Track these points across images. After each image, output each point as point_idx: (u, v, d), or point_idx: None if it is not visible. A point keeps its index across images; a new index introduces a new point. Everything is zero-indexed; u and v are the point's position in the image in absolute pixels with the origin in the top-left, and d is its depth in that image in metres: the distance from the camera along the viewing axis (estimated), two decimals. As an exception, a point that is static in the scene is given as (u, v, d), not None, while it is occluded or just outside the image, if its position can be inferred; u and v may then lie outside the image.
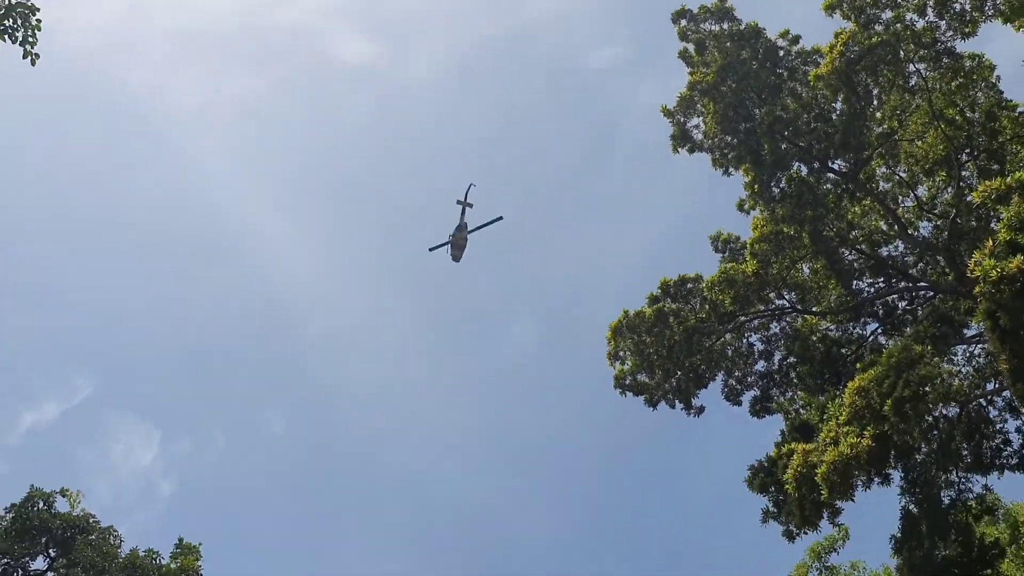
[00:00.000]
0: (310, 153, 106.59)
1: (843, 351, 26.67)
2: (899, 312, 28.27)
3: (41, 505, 44.55)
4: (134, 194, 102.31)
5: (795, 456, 17.76)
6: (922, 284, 28.03)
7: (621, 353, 25.31)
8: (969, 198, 24.54)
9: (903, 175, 28.34)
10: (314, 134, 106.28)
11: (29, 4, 15.63)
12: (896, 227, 27.81)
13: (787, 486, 18.05)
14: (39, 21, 15.73)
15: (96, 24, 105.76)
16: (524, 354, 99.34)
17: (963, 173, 26.42)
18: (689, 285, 26.17)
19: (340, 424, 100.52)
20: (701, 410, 25.20)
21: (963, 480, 22.46)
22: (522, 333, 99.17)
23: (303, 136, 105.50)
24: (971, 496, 22.44)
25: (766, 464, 21.56)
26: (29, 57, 15.76)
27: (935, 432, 22.55)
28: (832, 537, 29.85)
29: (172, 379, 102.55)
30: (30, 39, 15.59)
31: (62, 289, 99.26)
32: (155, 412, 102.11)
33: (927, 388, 17.72)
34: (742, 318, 26.31)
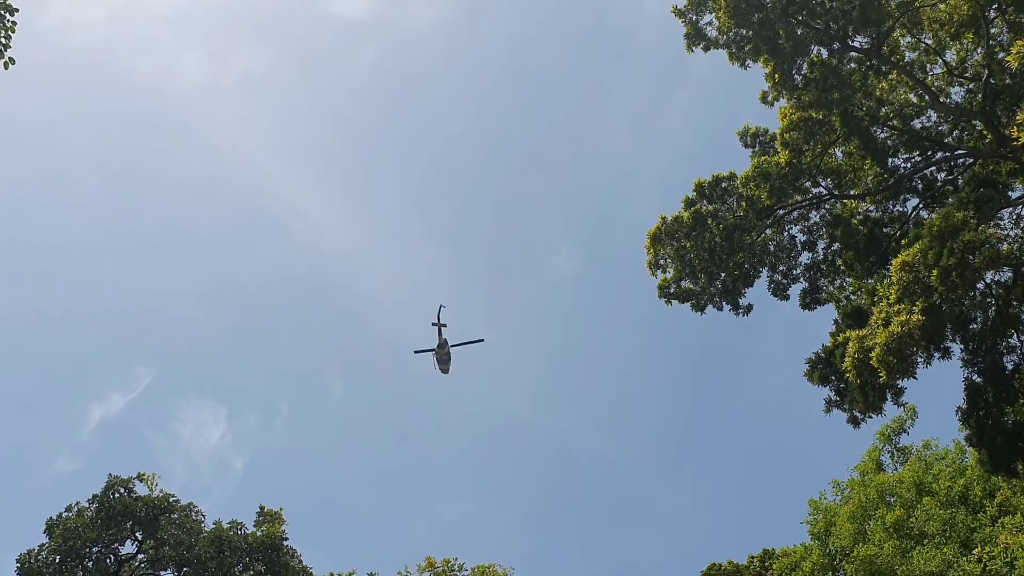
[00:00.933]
0: (325, 115, 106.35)
1: (886, 231, 26.12)
2: (939, 184, 27.58)
3: (121, 491, 45.79)
4: (163, 181, 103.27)
5: (850, 343, 17.50)
6: (960, 152, 27.25)
7: (662, 262, 24.97)
8: (1002, 56, 23.67)
9: (928, 42, 27.33)
10: (325, 95, 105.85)
11: (5, 3, 14.16)
12: (927, 97, 26.97)
13: (847, 374, 17.83)
14: (14, 23, 14.24)
15: (99, 19, 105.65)
16: (567, 282, 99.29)
17: (992, 31, 25.41)
18: (724, 184, 25.65)
19: (397, 376, 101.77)
20: (749, 309, 24.90)
21: (1025, 342, 22.06)
22: (562, 263, 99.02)
23: (315, 99, 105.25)
24: (1035, 358, 22.07)
25: (823, 355, 21.34)
26: (2, 61, 14.06)
27: (990, 299, 22.08)
28: (900, 419, 29.71)
29: (230, 357, 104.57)
30: (2, 41, 14.07)
31: (111, 283, 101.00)
32: (218, 391, 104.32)
33: (973, 254, 17.27)
34: (780, 211, 25.81)
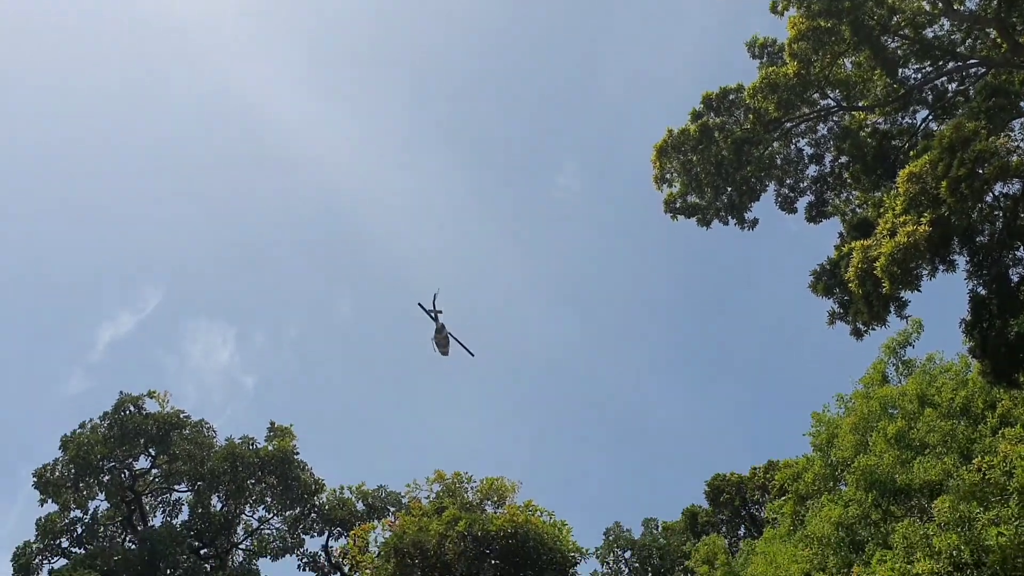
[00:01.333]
0: (328, 34, 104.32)
1: (895, 144, 25.78)
2: (950, 95, 27.09)
3: (132, 409, 46.52)
4: (170, 108, 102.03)
5: (855, 254, 17.39)
6: (972, 62, 26.69)
7: (668, 176, 24.70)
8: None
9: (943, -54, 26.53)
10: (329, 13, 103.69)
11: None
12: (940, 4, 26.30)
13: (850, 284, 17.78)
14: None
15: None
16: (571, 200, 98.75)
17: (1008, -66, 24.61)
18: (731, 96, 25.18)
19: (406, 293, 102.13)
20: (755, 223, 24.75)
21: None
22: (567, 181, 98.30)
23: (318, 18, 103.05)
24: (1041, 270, 21.97)
25: (828, 267, 21.26)
26: None
27: (998, 212, 21.87)
28: (905, 332, 29.72)
29: (237, 279, 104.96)
30: None
31: (120, 207, 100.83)
32: (226, 312, 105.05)
33: (983, 166, 17.04)
34: (788, 124, 25.42)
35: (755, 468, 50.67)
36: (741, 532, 50.17)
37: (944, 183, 15.65)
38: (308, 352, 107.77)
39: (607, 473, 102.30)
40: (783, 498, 30.06)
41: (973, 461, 22.64)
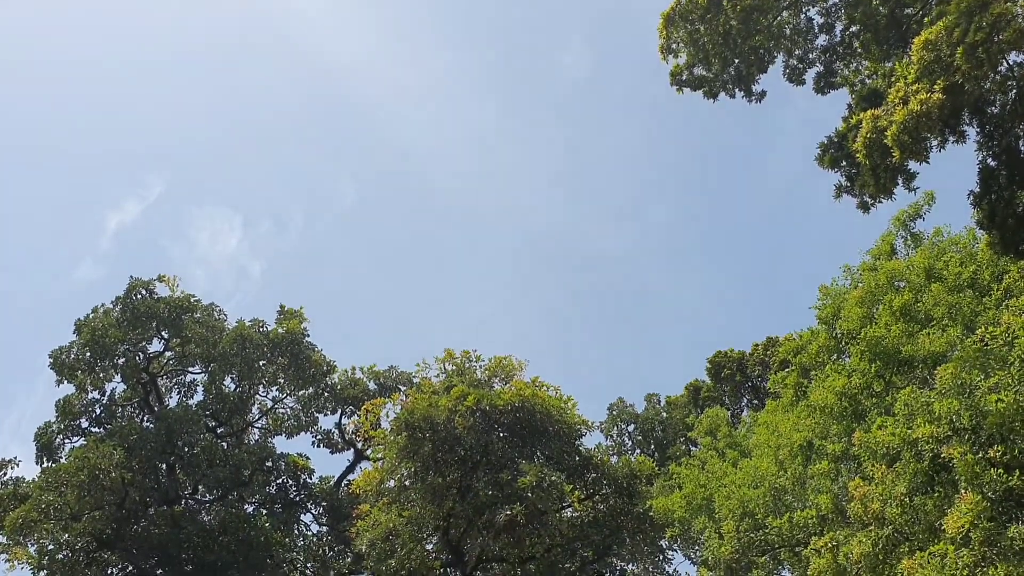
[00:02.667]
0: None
1: (908, 12, 24.96)
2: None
3: (143, 293, 47.03)
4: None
5: (864, 123, 17.08)
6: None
7: (674, 46, 24.06)
8: None
9: None
10: None
11: None
12: None
13: (858, 155, 17.55)
14: None
15: None
16: (578, 78, 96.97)
17: None
18: (741, -39, 24.23)
19: (412, 180, 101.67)
20: (762, 95, 24.28)
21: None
22: (573, 59, 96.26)
23: None
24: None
25: (835, 139, 20.98)
26: None
27: (1011, 82, 21.43)
28: (916, 204, 29.43)
29: (241, 166, 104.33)
30: None
31: (123, 95, 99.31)
32: (231, 199, 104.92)
33: (1001, 32, 16.55)
34: (798, -8, 24.64)
35: (756, 344, 51.33)
36: (743, 406, 51.16)
37: (960, 49, 15.23)
38: (314, 238, 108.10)
39: (611, 353, 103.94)
40: (787, 370, 30.48)
41: (976, 332, 22.81)
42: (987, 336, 21.76)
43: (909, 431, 20.86)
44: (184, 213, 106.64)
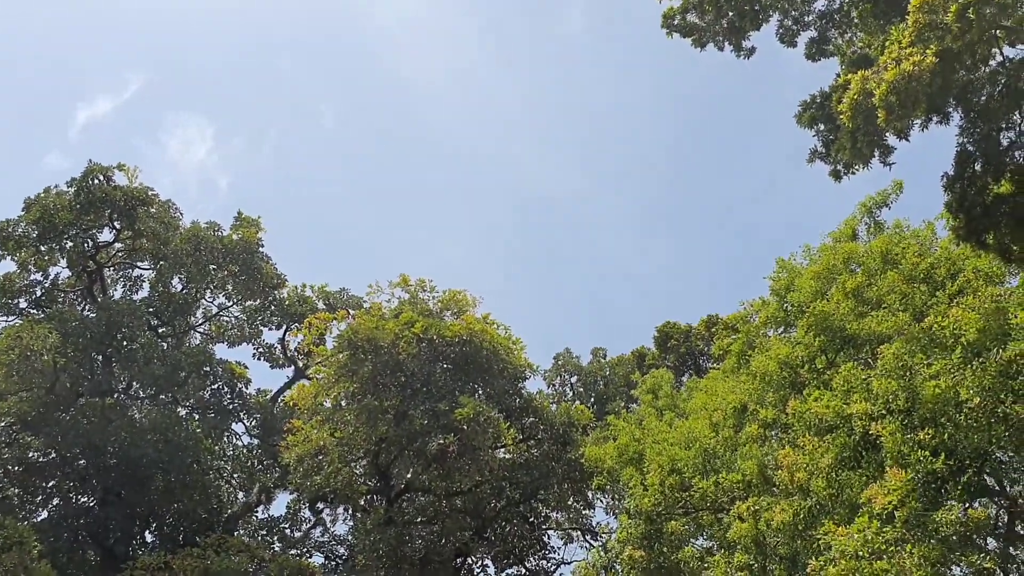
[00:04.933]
0: None
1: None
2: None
3: (100, 179, 45.77)
4: None
5: (853, 83, 16.82)
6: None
7: (669, -13, 23.55)
8: None
9: None
10: None
11: None
12: None
13: (841, 116, 17.31)
14: None
15: None
16: (575, 36, 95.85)
17: None
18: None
19: (395, 115, 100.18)
20: (752, 52, 23.86)
21: (1024, 122, 21.55)
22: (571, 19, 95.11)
23: None
24: (1031, 137, 21.69)
25: (819, 99, 20.74)
26: None
27: (1001, 76, 21.29)
28: (884, 192, 29.50)
29: (221, 77, 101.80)
30: None
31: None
32: (206, 107, 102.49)
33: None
34: (800, -52, 24.13)
35: (704, 319, 51.58)
36: (685, 378, 51.51)
37: (954, 8, 14.99)
38: (286, 159, 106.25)
39: (566, 311, 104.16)
40: (733, 336, 30.56)
41: (925, 320, 22.92)
42: (935, 325, 21.85)
43: (844, 406, 21.00)
44: (157, 115, 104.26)
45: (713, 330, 48.19)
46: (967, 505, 19.57)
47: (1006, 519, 21.80)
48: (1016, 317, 19.74)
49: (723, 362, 31.77)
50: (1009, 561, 20.82)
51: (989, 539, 20.57)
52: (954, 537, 17.58)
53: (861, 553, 17.68)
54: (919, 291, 25.45)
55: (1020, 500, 21.81)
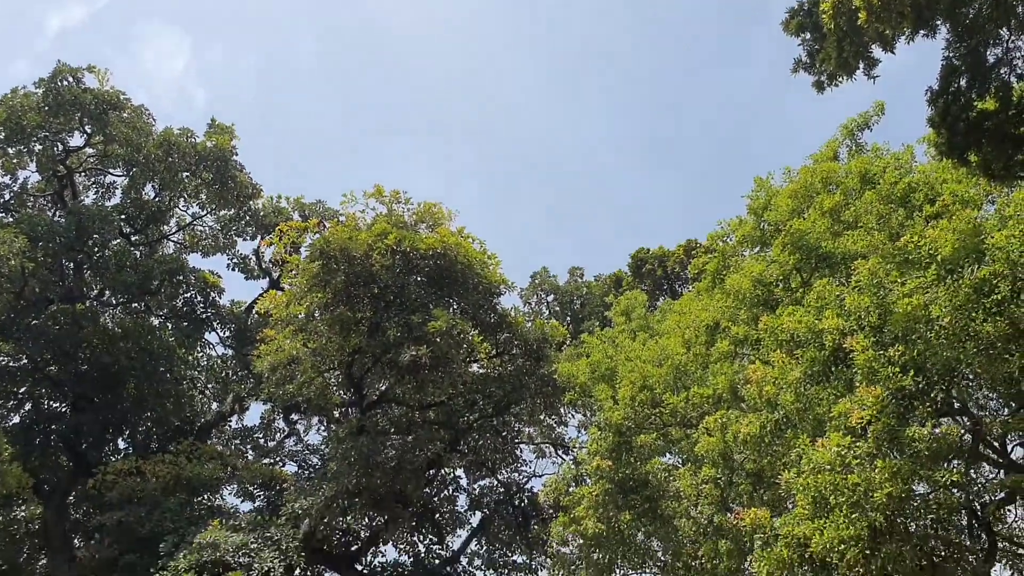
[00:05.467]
0: None
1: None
2: None
3: (70, 80, 44.51)
4: None
5: (838, -14, 16.34)
6: None
7: None
8: None
9: None
10: None
11: None
12: None
13: (823, 16, 16.84)
14: None
15: None
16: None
17: None
18: None
19: (375, 31, 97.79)
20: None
21: (1013, 39, 21.12)
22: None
23: None
24: (1017, 56, 21.31)
25: (807, 6, 20.14)
26: None
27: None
28: (866, 114, 29.20)
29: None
30: None
31: None
32: (185, 18, 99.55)
33: None
34: None
35: (682, 245, 51.46)
36: (660, 303, 51.62)
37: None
38: (266, 73, 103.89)
39: (544, 233, 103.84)
40: (708, 255, 30.42)
41: (901, 240, 22.80)
42: (910, 244, 21.72)
43: (817, 322, 20.95)
44: (132, 25, 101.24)
45: (692, 255, 48.17)
46: (934, 423, 19.71)
47: (970, 440, 22.03)
48: (992, 238, 19.59)
49: (698, 283, 31.71)
50: (972, 484, 21.12)
51: (955, 461, 20.80)
52: (926, 453, 17.71)
53: (834, 467, 17.80)
54: (896, 213, 25.32)
55: (986, 420, 22.06)
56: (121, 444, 44.49)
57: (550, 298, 51.61)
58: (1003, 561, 27.97)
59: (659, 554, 30.49)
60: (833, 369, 20.45)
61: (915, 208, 25.74)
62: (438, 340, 31.33)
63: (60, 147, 45.73)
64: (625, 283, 50.92)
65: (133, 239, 47.40)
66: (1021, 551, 25.82)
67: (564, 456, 41.12)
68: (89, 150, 47.08)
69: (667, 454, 29.53)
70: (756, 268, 25.36)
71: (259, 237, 48.63)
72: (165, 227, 49.14)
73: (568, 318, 49.57)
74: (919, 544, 17.70)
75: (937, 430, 19.29)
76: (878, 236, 24.03)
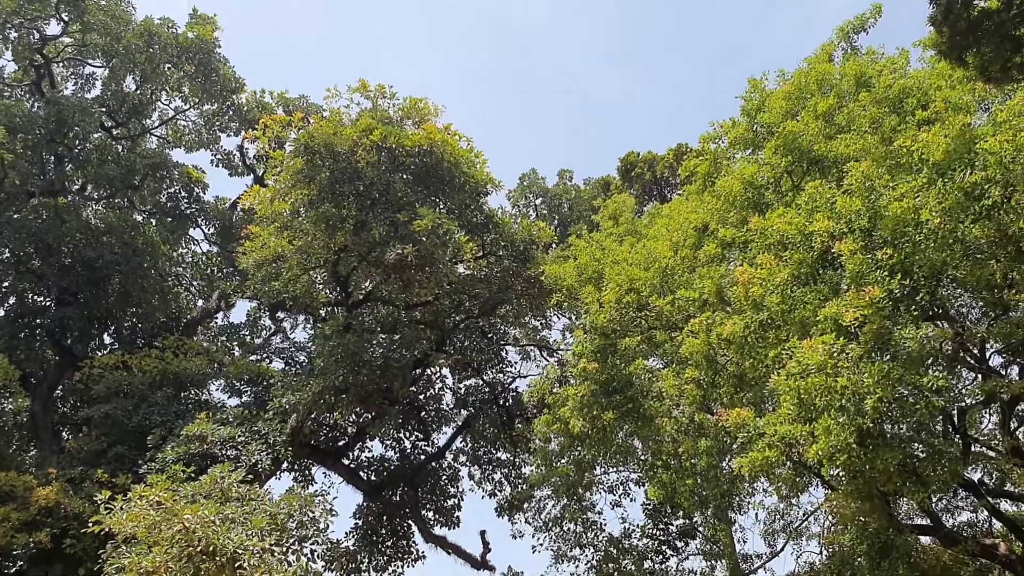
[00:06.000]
0: None
1: None
2: None
3: (44, -36, 42.88)
4: None
5: None
6: None
7: None
8: None
9: None
10: None
11: None
12: None
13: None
14: None
15: None
16: None
17: None
18: None
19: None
20: None
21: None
22: None
23: None
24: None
25: None
26: None
27: None
28: (862, 16, 28.61)
29: None
30: None
31: None
32: None
33: None
34: None
35: (673, 148, 50.84)
36: (649, 207, 51.31)
37: None
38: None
39: (534, 139, 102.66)
40: (699, 158, 30.08)
41: (893, 144, 22.57)
42: (903, 148, 21.51)
43: (807, 223, 20.83)
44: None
45: (683, 159, 47.69)
46: (918, 328, 19.79)
47: (951, 346, 22.24)
48: (985, 142, 19.38)
49: (688, 186, 31.44)
50: (950, 389, 21.34)
51: (936, 365, 20.98)
52: (914, 356, 17.81)
53: (824, 368, 17.88)
54: (889, 118, 25.02)
55: (968, 325, 22.22)
56: (107, 339, 44.48)
57: (538, 200, 51.24)
58: (976, 464, 28.63)
59: (640, 452, 31.11)
60: (820, 271, 20.42)
61: (908, 113, 25.44)
62: (424, 239, 31.13)
63: (36, 35, 44.39)
64: (614, 187, 50.56)
65: (115, 133, 46.49)
66: (992, 454, 26.41)
67: (549, 358, 41.50)
68: (66, 39, 45.74)
69: (652, 357, 29.77)
70: (748, 170, 25.12)
71: (243, 132, 47.77)
72: (147, 121, 48.13)
73: (556, 221, 49.33)
74: (903, 446, 17.96)
75: (929, 332, 19.47)
76: (870, 139, 23.78)
